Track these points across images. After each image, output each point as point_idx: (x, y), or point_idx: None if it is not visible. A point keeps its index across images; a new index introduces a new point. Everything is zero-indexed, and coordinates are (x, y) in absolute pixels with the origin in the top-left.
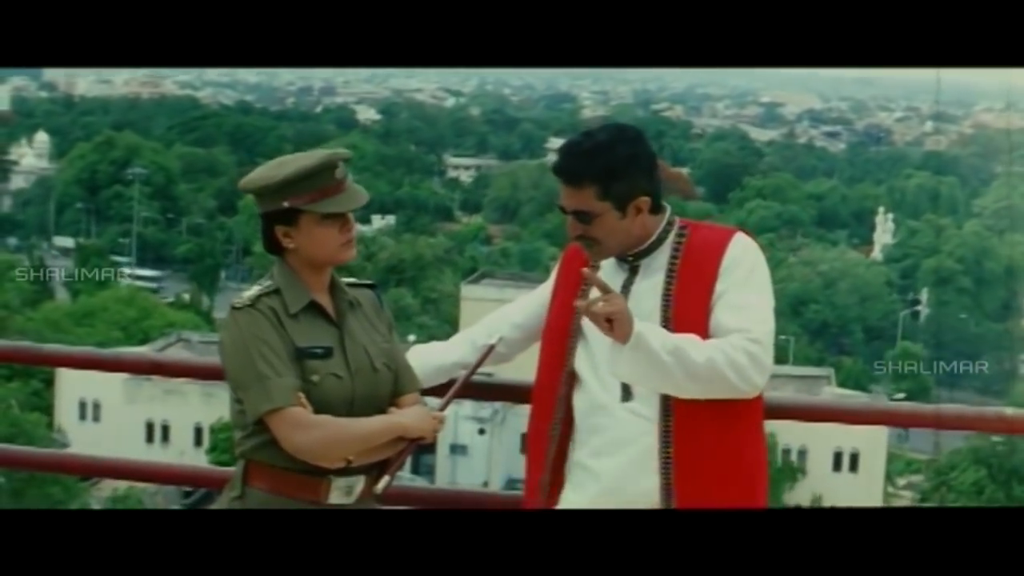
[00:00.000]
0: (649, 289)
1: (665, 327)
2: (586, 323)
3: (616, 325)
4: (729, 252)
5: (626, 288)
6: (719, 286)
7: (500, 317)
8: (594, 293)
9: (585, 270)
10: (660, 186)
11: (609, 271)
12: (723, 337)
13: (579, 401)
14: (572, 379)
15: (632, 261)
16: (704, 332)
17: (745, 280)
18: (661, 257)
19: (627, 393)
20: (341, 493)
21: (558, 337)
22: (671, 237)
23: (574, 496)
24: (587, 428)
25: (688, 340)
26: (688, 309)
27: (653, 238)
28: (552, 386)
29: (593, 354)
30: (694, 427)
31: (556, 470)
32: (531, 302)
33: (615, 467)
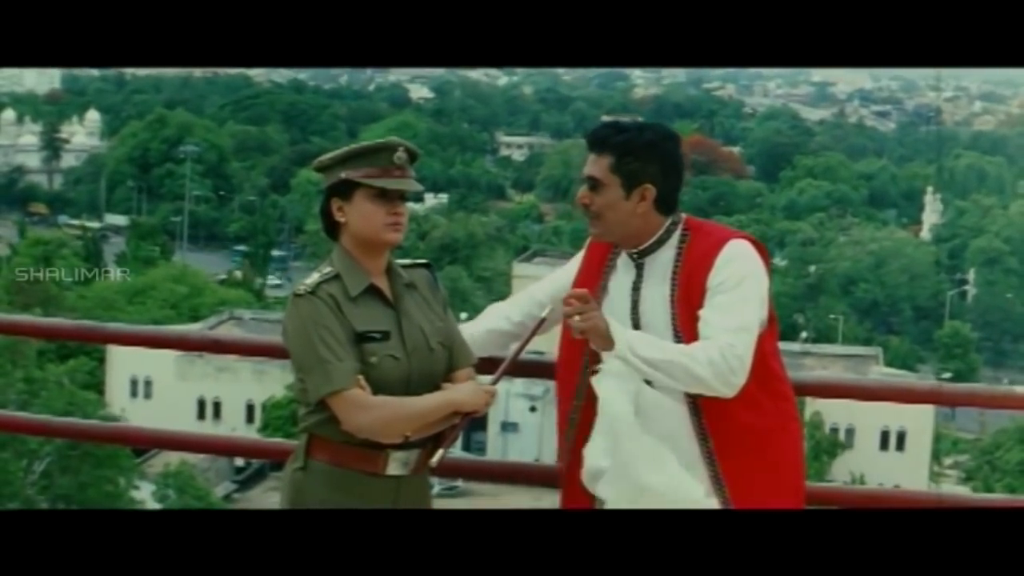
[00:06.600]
0: (658, 299)
1: (677, 340)
2: (606, 308)
3: (591, 340)
4: (717, 263)
5: (636, 289)
6: (707, 293)
7: (527, 296)
8: (610, 286)
9: (567, 294)
10: (675, 189)
11: (621, 271)
12: (704, 336)
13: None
14: (593, 358)
15: (637, 259)
16: None
17: (732, 287)
18: (665, 259)
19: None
20: (398, 465)
21: None
22: (674, 238)
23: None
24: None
25: (665, 349)
26: (689, 319)
27: (655, 237)
28: (573, 363)
29: None
30: (724, 418)
31: (581, 430)
32: (555, 282)
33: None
